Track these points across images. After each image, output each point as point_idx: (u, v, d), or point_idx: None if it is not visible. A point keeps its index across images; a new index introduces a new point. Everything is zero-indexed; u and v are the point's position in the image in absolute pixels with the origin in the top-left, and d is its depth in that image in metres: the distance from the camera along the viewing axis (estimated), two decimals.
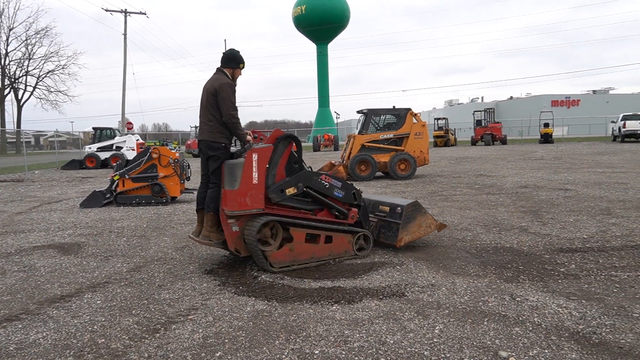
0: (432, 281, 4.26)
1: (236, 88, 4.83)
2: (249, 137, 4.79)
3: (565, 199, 8.66)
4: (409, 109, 13.60)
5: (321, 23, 44.15)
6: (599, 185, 10.28)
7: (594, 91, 71.19)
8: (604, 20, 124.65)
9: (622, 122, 29.51)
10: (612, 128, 32.84)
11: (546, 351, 2.86)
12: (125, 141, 24.92)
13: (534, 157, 20.40)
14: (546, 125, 34.34)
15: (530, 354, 2.83)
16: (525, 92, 76.68)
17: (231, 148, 4.86)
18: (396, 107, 13.76)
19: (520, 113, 55.39)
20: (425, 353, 2.88)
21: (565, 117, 48.63)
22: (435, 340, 3.05)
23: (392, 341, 3.05)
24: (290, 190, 4.70)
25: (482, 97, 79.11)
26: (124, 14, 37.89)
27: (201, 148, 4.83)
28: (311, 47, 46.03)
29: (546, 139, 33.52)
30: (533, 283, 4.15)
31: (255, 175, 4.48)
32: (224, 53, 4.92)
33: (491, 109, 37.91)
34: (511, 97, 74.89)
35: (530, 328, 3.20)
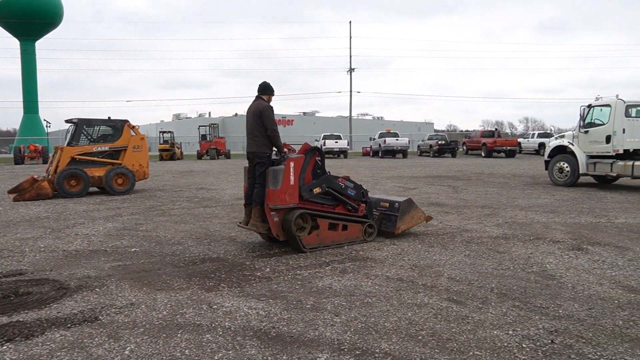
0: (133, 300, 4.12)
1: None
2: (285, 149, 6.17)
3: None
4: (127, 121, 12.96)
5: (25, 16, 38.15)
6: None
7: (305, 113, 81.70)
8: (308, 52, 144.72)
9: (323, 141, 34.77)
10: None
11: (230, 352, 3.09)
12: None
13: None
14: None
15: (216, 357, 3.01)
16: None
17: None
18: (112, 119, 12.93)
19: (244, 129, 59.16)
20: None
21: (282, 135, 54.40)
22: None
23: None
24: (317, 190, 6.05)
25: (210, 113, 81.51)
26: None
27: (250, 157, 6.12)
28: (14, 42, 39.21)
29: None
30: (231, 289, 4.45)
31: (292, 178, 5.78)
32: (260, 85, 6.31)
33: (215, 124, 39.40)
34: (236, 114, 79.42)
35: (221, 333, 3.41)
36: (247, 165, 6.31)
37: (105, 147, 12.65)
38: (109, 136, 12.87)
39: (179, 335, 3.36)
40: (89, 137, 12.72)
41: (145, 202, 10.87)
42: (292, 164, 5.79)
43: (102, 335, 3.35)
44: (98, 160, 12.52)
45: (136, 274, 4.97)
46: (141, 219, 8.48)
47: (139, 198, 11.70)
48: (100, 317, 3.70)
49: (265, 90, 6.31)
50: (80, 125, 12.48)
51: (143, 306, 3.96)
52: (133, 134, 13.03)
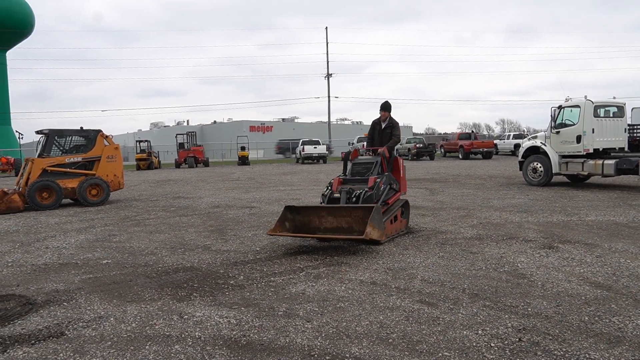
0: (101, 313, 4.04)
1: None
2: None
3: (249, 216, 9.57)
4: (100, 131, 12.78)
5: None
6: (278, 202, 11.76)
7: (283, 119, 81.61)
8: (286, 59, 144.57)
9: (302, 146, 34.80)
10: (295, 151, 38.31)
11: None
12: None
13: (231, 178, 21.95)
14: (242, 148, 37.53)
15: None
16: (228, 117, 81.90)
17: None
18: (84, 128, 12.73)
19: (223, 136, 58.87)
20: None
21: (261, 141, 54.25)
22: None
23: None
24: None
25: (188, 121, 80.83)
26: None
27: None
28: None
29: (243, 161, 36.60)
30: (203, 299, 4.40)
31: None
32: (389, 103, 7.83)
33: (193, 132, 39.07)
34: (215, 122, 78.93)
35: (190, 343, 3.36)
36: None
37: (78, 158, 12.44)
38: (82, 146, 12.68)
39: (147, 347, 3.31)
40: (61, 148, 12.51)
41: (120, 213, 10.70)
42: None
43: (67, 351, 3.27)
44: (71, 172, 12.30)
45: (107, 286, 4.87)
46: (115, 230, 8.34)
47: (114, 209, 11.52)
48: (66, 332, 3.62)
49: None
50: (52, 136, 12.25)
51: (112, 319, 3.88)
52: (106, 143, 12.84)
